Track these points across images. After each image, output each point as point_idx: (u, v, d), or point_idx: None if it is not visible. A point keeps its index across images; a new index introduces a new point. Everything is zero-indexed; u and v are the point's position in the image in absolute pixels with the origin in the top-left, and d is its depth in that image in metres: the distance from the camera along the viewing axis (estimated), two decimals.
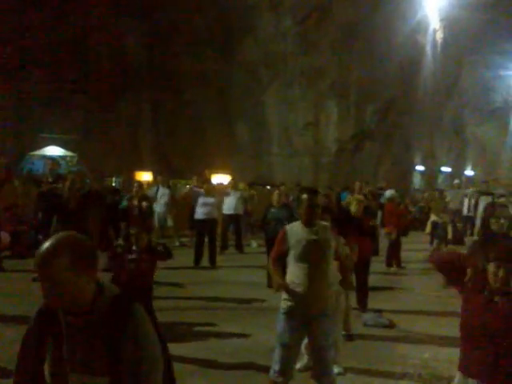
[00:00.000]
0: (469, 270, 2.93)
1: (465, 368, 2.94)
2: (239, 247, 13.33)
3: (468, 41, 27.77)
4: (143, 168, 19.82)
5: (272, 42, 23.89)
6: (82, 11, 20.27)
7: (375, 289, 8.84)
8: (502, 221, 4.52)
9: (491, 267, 2.85)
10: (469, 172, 33.28)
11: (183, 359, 5.58)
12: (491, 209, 4.62)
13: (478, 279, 2.93)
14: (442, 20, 25.44)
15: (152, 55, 23.19)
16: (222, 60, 23.36)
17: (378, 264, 11.10)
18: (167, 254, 5.69)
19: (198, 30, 23.13)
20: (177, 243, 14.02)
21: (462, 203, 15.23)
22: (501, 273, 2.82)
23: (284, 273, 4.20)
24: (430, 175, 27.48)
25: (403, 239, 12.11)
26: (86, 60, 20.58)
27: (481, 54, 31.33)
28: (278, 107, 24.94)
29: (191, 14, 23.06)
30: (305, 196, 4.15)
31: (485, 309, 2.85)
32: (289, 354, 4.09)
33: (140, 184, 10.83)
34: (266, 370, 4.29)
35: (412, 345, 6.36)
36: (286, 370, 4.08)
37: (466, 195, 15.31)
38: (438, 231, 11.89)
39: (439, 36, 26.28)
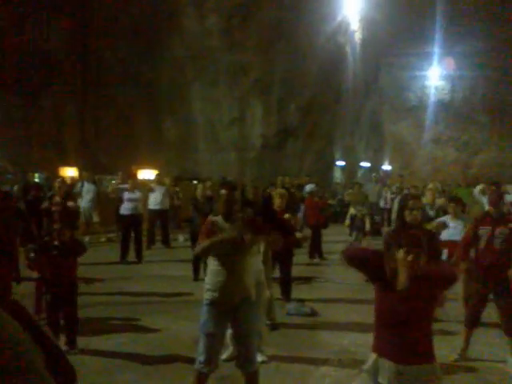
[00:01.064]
0: (387, 267, 3.05)
1: (377, 349, 3.10)
2: (166, 242, 13.32)
3: (385, 42, 28.92)
4: (68, 163, 19.26)
5: (197, 38, 23.85)
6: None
7: (299, 279, 9.15)
8: (415, 212, 4.75)
9: (400, 253, 2.98)
10: (386, 167, 34.67)
11: (111, 354, 5.62)
12: (405, 201, 4.85)
13: (393, 271, 3.07)
14: (360, 21, 26.29)
15: (78, 49, 22.55)
16: (148, 56, 23.08)
17: (301, 256, 11.48)
18: (82, 249, 5.70)
19: (123, 25, 22.73)
20: (103, 239, 13.83)
21: (379, 196, 15.89)
22: (409, 258, 2.95)
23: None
24: (351, 170, 28.40)
25: (324, 231, 12.55)
26: (6, 52, 19.69)
27: (397, 55, 32.75)
28: (204, 103, 24.95)
29: (117, 9, 22.64)
30: (223, 191, 4.25)
31: (394, 291, 2.99)
32: (213, 343, 4.16)
33: (63, 180, 10.60)
34: (192, 361, 4.34)
35: (333, 332, 6.57)
36: (211, 359, 4.13)
37: (383, 188, 15.96)
38: (356, 223, 12.38)
39: (358, 37, 27.14)
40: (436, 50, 31.91)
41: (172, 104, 24.38)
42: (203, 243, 4.18)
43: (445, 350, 5.67)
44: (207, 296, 4.22)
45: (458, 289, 6.48)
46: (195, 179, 19.45)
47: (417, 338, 3.00)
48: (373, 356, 3.11)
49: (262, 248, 5.23)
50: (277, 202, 7.75)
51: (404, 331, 2.98)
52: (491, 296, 5.57)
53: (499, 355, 5.59)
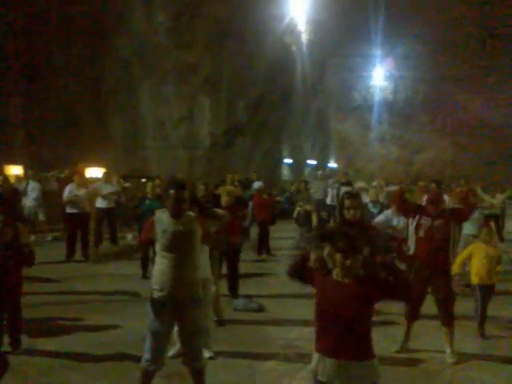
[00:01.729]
0: (313, 262, 3.19)
1: (320, 348, 3.17)
2: (113, 240, 13.16)
3: (331, 43, 29.43)
4: (13, 161, 18.65)
5: (145, 36, 23.59)
6: None
7: (246, 275, 9.22)
8: (352, 211, 4.85)
9: (338, 256, 3.07)
10: (332, 164, 35.30)
11: (56, 353, 5.56)
12: (342, 200, 4.97)
13: (323, 266, 3.18)
14: (307, 22, 26.61)
15: (23, 47, 21.87)
16: (95, 53, 22.65)
17: (249, 252, 11.63)
18: (30, 260, 5.58)
19: (70, 21, 22.22)
20: (49, 237, 13.55)
21: (325, 193, 16.15)
22: (348, 262, 3.05)
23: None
24: (298, 167, 28.74)
25: (272, 228, 12.71)
26: None
27: (343, 56, 33.42)
28: (152, 101, 24.72)
29: (64, 6, 22.10)
30: (172, 190, 4.19)
31: (334, 290, 3.10)
32: (159, 341, 4.17)
33: (5, 177, 10.33)
34: (138, 359, 4.35)
35: (279, 327, 6.67)
36: (157, 357, 4.15)
37: (329, 186, 16.25)
38: (299, 220, 12.61)
39: (305, 38, 27.46)
40: (379, 51, 32.75)
41: (120, 102, 24.05)
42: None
43: (387, 342, 5.91)
44: (153, 294, 4.22)
45: None
46: (144, 177, 19.28)
47: (357, 336, 3.07)
48: (316, 355, 3.19)
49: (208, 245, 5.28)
50: (224, 200, 7.84)
51: (344, 329, 3.04)
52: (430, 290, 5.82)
53: (438, 346, 5.83)
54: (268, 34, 23.92)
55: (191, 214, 4.37)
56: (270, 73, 24.67)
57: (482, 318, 6.47)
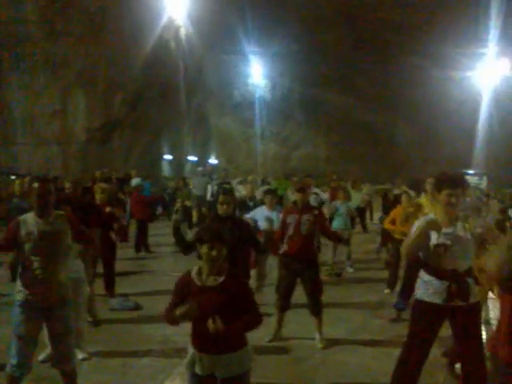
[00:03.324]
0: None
1: (195, 344, 3.27)
2: None
3: (210, 40, 29.58)
4: None
5: (13, 26, 22.09)
6: None
7: (124, 274, 9.13)
8: (225, 206, 5.03)
9: (204, 248, 3.18)
10: (213, 160, 35.62)
11: None
12: (216, 195, 5.18)
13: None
14: (186, 18, 26.51)
15: None
16: None
17: (127, 250, 11.46)
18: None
19: None
20: None
21: (206, 189, 16.32)
22: (213, 253, 3.16)
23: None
24: (178, 164, 28.59)
25: (151, 225, 12.63)
26: None
27: (222, 53, 33.74)
28: (22, 95, 23.25)
29: None
30: (35, 185, 4.03)
31: (201, 292, 3.18)
32: (26, 345, 4.03)
33: None
34: (3, 367, 4.20)
35: (156, 323, 6.59)
36: (23, 362, 4.01)
37: (209, 182, 16.46)
38: (179, 216, 12.72)
39: (183, 33, 27.35)
40: (256, 49, 33.52)
41: None
42: None
43: (260, 332, 6.14)
44: (19, 297, 4.07)
45: (275, 274, 6.98)
46: (13, 174, 18.20)
47: (227, 333, 3.14)
48: (191, 350, 3.28)
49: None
50: (98, 197, 7.69)
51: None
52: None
53: (308, 333, 6.17)
54: (146, 28, 23.52)
55: (60, 212, 4.23)
56: (148, 67, 24.27)
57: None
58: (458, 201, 4.03)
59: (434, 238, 4.01)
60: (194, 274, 3.27)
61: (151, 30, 24.11)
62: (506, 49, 30.21)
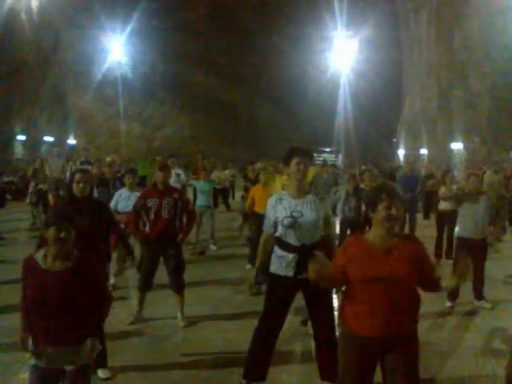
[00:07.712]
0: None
1: (35, 337, 3.13)
2: None
3: (67, 12, 27.96)
4: None
5: None
6: None
7: None
8: (81, 185, 4.76)
9: (51, 231, 3.06)
10: (71, 141, 33.92)
11: None
12: (73, 175, 4.90)
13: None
14: None
15: None
16: None
17: None
18: None
19: None
20: None
21: (64, 171, 15.62)
22: (61, 234, 3.02)
23: None
24: (33, 144, 26.79)
25: (1, 211, 11.83)
26: None
27: (79, 27, 32.08)
28: None
29: None
30: None
31: (46, 276, 3.06)
32: None
33: None
34: None
35: (5, 314, 6.22)
36: None
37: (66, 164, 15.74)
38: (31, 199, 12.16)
39: (36, 4, 25.44)
40: (116, 25, 32.42)
41: None
42: None
43: (121, 315, 6.05)
44: None
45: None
46: None
47: (68, 323, 3.07)
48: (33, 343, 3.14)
49: None
50: None
51: (52, 318, 3.04)
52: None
53: (171, 313, 6.20)
54: None
55: None
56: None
57: None
58: (306, 169, 4.24)
59: (284, 212, 4.21)
60: (39, 257, 3.12)
61: None
62: (353, 32, 32.54)
